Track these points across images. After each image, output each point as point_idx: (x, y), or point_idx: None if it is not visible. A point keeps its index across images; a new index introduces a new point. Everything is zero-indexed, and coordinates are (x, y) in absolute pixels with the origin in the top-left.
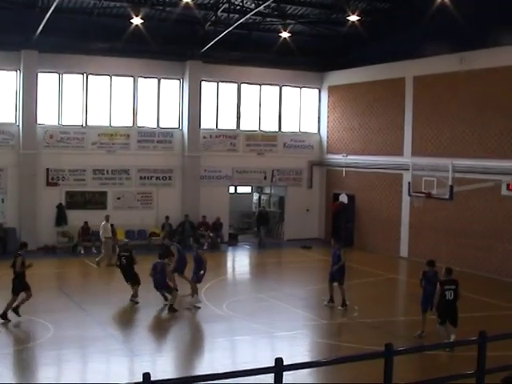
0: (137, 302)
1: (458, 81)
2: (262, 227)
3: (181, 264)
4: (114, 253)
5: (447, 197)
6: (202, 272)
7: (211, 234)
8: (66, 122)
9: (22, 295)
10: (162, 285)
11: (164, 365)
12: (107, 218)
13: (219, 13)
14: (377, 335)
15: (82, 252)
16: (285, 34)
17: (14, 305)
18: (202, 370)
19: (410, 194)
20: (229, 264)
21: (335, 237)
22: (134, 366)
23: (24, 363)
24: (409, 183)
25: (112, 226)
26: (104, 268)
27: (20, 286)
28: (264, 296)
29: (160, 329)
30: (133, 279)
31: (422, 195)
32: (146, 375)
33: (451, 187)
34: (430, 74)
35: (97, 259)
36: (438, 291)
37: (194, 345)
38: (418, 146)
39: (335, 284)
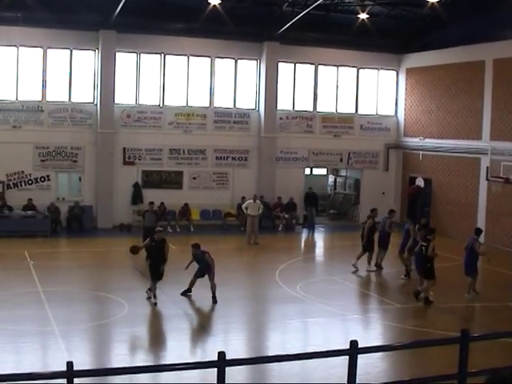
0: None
1: None
2: (309, 208)
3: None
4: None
5: None
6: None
7: (286, 216)
8: (143, 101)
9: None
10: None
11: (237, 344)
12: (255, 199)
13: None
14: (452, 320)
15: None
16: (363, 16)
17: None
18: (275, 351)
19: (487, 179)
20: (303, 245)
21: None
22: (207, 345)
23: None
24: (487, 168)
25: (186, 205)
26: (252, 245)
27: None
28: (338, 278)
29: (233, 309)
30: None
31: (501, 180)
32: (222, 354)
33: None
34: (510, 56)
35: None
36: None
37: (267, 326)
38: (497, 130)
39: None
